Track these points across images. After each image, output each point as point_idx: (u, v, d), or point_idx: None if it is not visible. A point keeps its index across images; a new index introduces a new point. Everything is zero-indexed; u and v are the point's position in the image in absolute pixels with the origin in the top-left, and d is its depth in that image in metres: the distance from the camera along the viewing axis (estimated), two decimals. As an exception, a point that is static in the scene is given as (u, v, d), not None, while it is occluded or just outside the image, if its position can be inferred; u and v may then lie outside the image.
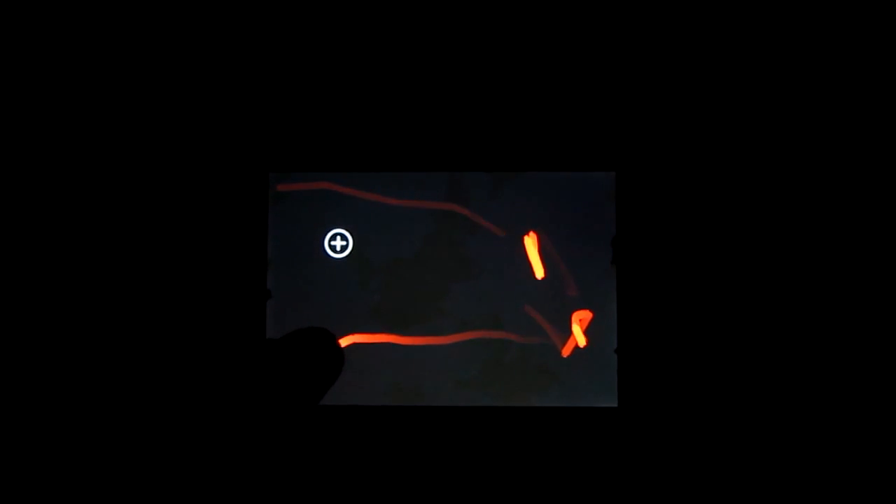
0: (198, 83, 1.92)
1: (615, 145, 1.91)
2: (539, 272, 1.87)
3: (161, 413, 1.87)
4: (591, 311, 1.89)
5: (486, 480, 1.87)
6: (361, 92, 1.93)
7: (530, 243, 1.90)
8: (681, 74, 1.91)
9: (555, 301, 1.90)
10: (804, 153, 1.88)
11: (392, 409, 1.88)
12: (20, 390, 1.84)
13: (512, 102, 1.92)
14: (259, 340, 1.85)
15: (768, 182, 1.89)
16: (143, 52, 1.91)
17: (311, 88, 1.93)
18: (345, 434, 1.87)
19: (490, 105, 1.92)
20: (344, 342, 1.89)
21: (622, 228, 1.90)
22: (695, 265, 1.88)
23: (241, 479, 1.87)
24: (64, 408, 1.84)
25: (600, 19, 1.91)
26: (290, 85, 1.92)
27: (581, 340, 1.87)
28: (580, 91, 1.92)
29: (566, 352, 1.88)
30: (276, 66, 1.92)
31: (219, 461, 1.89)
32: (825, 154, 1.88)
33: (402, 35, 1.92)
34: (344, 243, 1.91)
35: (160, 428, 1.87)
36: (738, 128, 1.90)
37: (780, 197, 1.88)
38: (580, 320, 1.88)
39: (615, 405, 1.88)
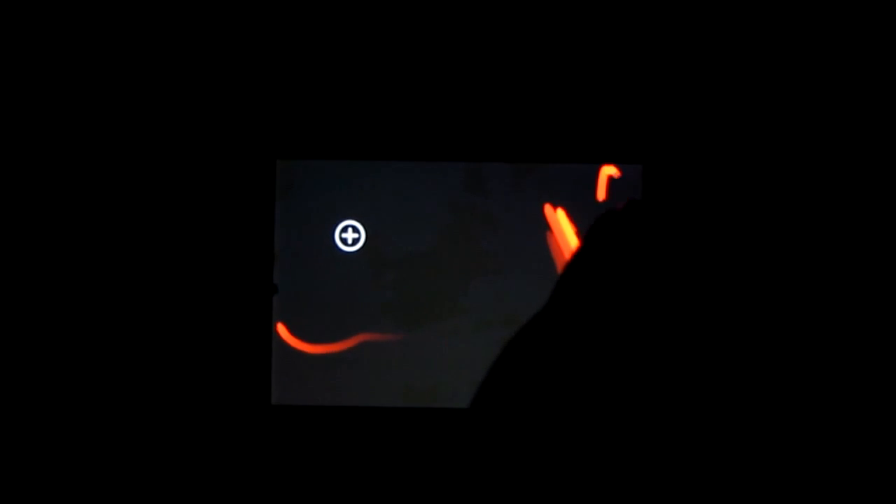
0: (201, 64, 1.83)
1: (643, 137, 1.84)
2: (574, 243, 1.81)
3: (163, 409, 1.81)
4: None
5: (501, 488, 1.81)
6: (375, 76, 1.84)
7: (561, 217, 1.84)
8: (710, 69, 1.84)
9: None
10: (834, 152, 1.83)
11: (404, 410, 1.81)
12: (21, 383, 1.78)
13: (535, 90, 1.84)
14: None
15: (797, 179, 1.83)
16: (147, 39, 1.82)
17: (322, 71, 1.84)
18: (353, 437, 1.81)
19: (512, 93, 1.84)
20: (354, 341, 1.82)
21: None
22: (725, 263, 1.82)
23: (246, 480, 1.80)
24: (66, 403, 1.77)
25: (634, 14, 1.83)
26: (299, 68, 1.84)
27: None
28: (609, 80, 1.84)
29: None
30: (285, 49, 1.84)
31: (222, 461, 1.82)
32: (856, 154, 1.83)
33: (420, 19, 1.84)
34: (356, 236, 1.84)
35: (162, 424, 1.81)
36: (769, 124, 1.83)
37: (808, 194, 1.83)
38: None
39: (639, 409, 1.82)
